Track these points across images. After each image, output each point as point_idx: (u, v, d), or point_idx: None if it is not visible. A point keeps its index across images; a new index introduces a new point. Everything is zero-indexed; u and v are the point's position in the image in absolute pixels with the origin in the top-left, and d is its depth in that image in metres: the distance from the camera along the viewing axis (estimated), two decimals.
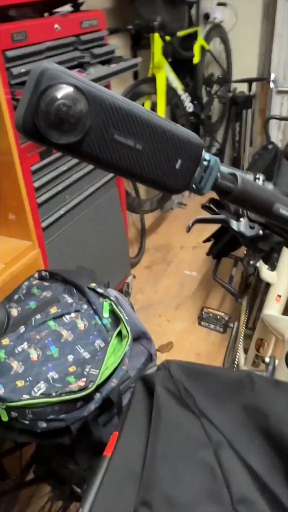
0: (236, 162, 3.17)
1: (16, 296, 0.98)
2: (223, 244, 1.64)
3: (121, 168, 0.31)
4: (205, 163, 0.33)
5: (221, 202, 0.57)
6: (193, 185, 0.34)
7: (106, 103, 0.29)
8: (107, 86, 1.66)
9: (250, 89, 2.94)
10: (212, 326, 1.38)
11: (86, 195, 1.63)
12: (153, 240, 2.68)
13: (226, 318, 1.37)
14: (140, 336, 0.97)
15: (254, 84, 2.97)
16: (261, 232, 0.52)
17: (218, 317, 1.37)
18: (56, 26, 1.35)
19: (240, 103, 2.97)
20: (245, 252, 1.67)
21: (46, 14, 1.54)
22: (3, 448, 1.01)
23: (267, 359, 0.87)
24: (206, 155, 0.33)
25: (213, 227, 1.63)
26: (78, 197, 1.60)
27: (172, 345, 1.89)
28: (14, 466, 1.09)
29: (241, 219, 0.51)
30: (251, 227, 0.51)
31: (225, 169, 0.35)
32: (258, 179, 0.44)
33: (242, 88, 3.00)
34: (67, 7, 1.59)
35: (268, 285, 1.35)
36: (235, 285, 1.73)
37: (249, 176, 0.47)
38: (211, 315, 1.37)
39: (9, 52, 1.18)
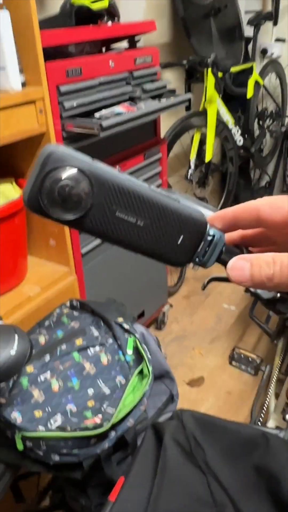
0: None
1: (47, 323, 1.00)
2: None
3: (123, 242, 0.32)
4: (209, 238, 0.34)
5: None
6: (197, 259, 0.34)
7: (109, 183, 0.30)
8: (157, 120, 1.70)
9: None
10: (243, 367, 1.35)
11: None
12: (194, 270, 2.66)
13: (258, 361, 1.33)
14: (163, 375, 0.96)
15: None
16: (278, 294, 0.51)
17: (250, 359, 1.34)
18: (110, 62, 1.41)
19: None
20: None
21: (103, 49, 1.61)
22: (21, 471, 1.03)
23: None
24: (211, 231, 0.34)
25: None
26: None
27: (203, 380, 1.86)
28: (31, 490, 1.10)
29: None
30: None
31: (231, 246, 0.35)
32: None
33: None
34: (125, 43, 1.66)
35: None
36: (272, 325, 1.69)
37: None
38: (242, 356, 1.34)
39: (62, 87, 1.24)
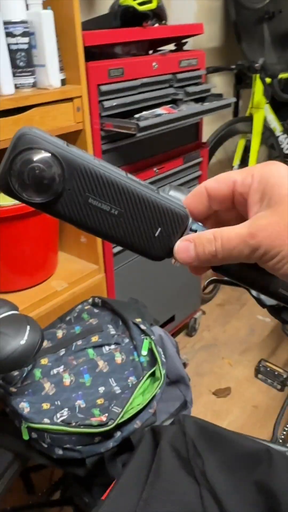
0: None
1: (68, 318, 1.01)
2: None
3: (95, 230, 0.31)
4: (190, 233, 0.32)
5: None
6: None
7: (81, 168, 0.29)
8: (199, 123, 1.68)
9: None
10: (269, 381, 1.30)
11: None
12: None
13: (284, 376, 1.28)
14: (179, 380, 0.94)
15: None
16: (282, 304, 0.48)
17: (277, 373, 1.29)
18: (154, 64, 1.41)
19: None
20: None
21: (151, 52, 1.61)
22: (32, 463, 1.04)
23: None
24: (193, 225, 0.32)
25: None
26: None
27: (230, 391, 1.81)
28: (43, 483, 1.11)
29: None
30: None
31: None
32: None
33: None
34: (172, 46, 1.65)
35: None
36: None
37: None
38: (269, 369, 1.29)
39: (103, 86, 1.25)
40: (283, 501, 0.54)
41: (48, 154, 0.28)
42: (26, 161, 0.28)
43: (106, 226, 0.31)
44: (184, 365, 1.02)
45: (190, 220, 0.32)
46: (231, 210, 0.34)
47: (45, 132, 0.29)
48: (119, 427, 0.75)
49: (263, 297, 0.49)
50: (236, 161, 2.14)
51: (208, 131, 2.02)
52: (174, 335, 2.08)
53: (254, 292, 0.50)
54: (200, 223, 0.33)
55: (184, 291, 1.91)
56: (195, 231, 0.32)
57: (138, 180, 0.31)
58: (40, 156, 0.28)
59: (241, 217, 0.32)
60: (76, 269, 1.32)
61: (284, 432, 1.19)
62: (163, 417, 0.88)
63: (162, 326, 1.86)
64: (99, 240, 1.31)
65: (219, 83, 2.32)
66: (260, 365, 1.31)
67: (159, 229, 0.32)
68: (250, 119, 2.08)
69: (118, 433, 0.75)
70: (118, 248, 1.49)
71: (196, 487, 0.54)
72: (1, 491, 0.84)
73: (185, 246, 0.31)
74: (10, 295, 1.17)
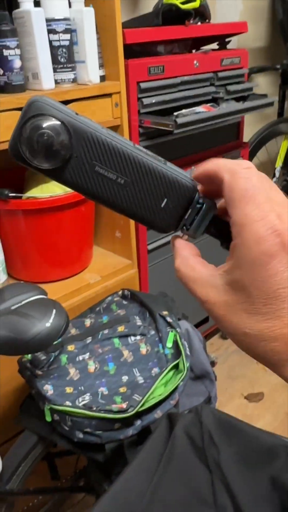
0: None
1: (97, 308, 1.03)
2: None
3: (102, 198, 0.32)
4: (198, 206, 0.32)
5: None
6: (184, 227, 0.33)
7: (88, 136, 0.30)
8: (240, 122, 1.67)
9: None
10: None
11: None
12: None
13: None
14: (204, 375, 0.93)
15: None
16: None
17: None
18: (195, 62, 1.41)
19: None
20: None
21: (194, 51, 1.61)
22: (58, 449, 1.06)
23: None
24: (200, 199, 0.32)
25: None
26: None
27: (263, 397, 1.77)
28: (67, 470, 1.13)
29: None
30: None
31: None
32: None
33: None
34: (215, 45, 1.65)
35: None
36: None
37: None
38: None
39: (143, 83, 1.26)
40: None
41: (57, 121, 0.29)
42: (35, 127, 0.29)
43: (112, 195, 0.31)
44: (213, 363, 1.01)
45: (198, 194, 0.32)
46: None
47: (55, 100, 0.30)
48: (139, 415, 0.76)
49: None
50: (279, 163, 2.10)
51: (251, 131, 2.00)
52: (208, 336, 2.06)
53: None
54: (208, 199, 0.32)
55: None
56: (202, 204, 0.32)
57: (146, 151, 0.32)
58: (48, 123, 0.29)
59: None
60: (110, 263, 1.34)
61: None
62: (185, 410, 0.88)
63: (196, 326, 1.84)
64: (133, 235, 1.33)
65: (265, 83, 2.28)
66: None
67: (165, 200, 0.32)
68: None
69: (138, 422, 0.76)
70: (153, 245, 1.50)
71: (208, 475, 0.53)
72: (25, 472, 0.87)
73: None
74: (44, 285, 1.20)
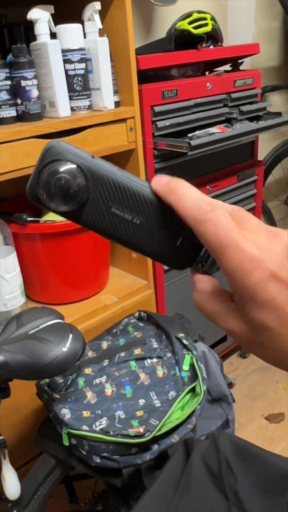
0: None
1: (114, 330, 1.04)
2: None
3: (118, 238, 0.33)
4: None
5: None
6: (199, 264, 0.34)
7: (105, 179, 0.31)
8: (255, 141, 1.68)
9: None
10: None
11: None
12: None
13: None
14: (221, 398, 0.93)
15: None
16: None
17: None
18: (208, 84, 1.43)
19: None
20: None
21: (208, 73, 1.64)
22: (76, 472, 1.06)
23: None
24: None
25: None
26: None
27: (283, 417, 1.74)
28: (85, 494, 1.12)
29: None
30: None
31: None
32: None
33: None
34: (228, 67, 1.67)
35: None
36: None
37: None
38: None
39: (157, 107, 1.29)
40: None
41: (74, 166, 0.30)
42: (53, 172, 0.30)
43: (128, 235, 0.32)
44: (231, 384, 1.00)
45: None
46: None
47: (72, 145, 0.31)
48: (156, 440, 0.76)
49: None
50: None
51: (266, 149, 2.01)
52: (226, 355, 2.04)
53: None
54: None
55: None
56: None
57: None
58: (65, 167, 0.30)
59: None
60: (126, 284, 1.35)
61: None
62: (203, 434, 0.87)
63: (214, 346, 1.84)
64: None
65: (279, 102, 2.29)
66: None
67: (180, 238, 0.33)
68: None
69: (156, 446, 0.76)
70: None
71: (226, 503, 0.53)
72: (43, 496, 0.87)
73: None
74: (61, 307, 1.22)
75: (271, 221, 2.19)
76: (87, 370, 0.88)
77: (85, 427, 0.76)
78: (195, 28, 1.41)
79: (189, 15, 1.49)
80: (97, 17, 1.03)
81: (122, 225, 0.32)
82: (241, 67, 1.65)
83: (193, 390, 0.83)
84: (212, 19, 1.48)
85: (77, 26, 1.03)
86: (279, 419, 1.73)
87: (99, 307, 1.24)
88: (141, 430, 0.75)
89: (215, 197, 1.57)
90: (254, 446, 0.60)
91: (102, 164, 0.31)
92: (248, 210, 1.72)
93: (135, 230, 0.32)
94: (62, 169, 0.30)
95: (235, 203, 1.67)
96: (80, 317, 1.20)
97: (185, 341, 0.90)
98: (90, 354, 0.94)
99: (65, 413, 0.78)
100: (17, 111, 1.01)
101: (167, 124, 1.32)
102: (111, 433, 0.75)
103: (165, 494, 0.55)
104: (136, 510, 0.54)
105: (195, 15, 1.47)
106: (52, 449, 0.86)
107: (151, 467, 0.77)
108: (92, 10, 1.02)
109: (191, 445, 0.60)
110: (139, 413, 0.81)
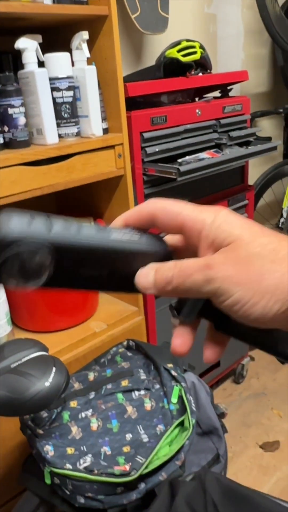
0: None
1: (102, 360, 1.01)
2: None
3: (89, 289, 0.32)
4: None
5: None
6: (175, 312, 0.32)
7: (65, 246, 0.29)
8: (245, 166, 1.68)
9: None
10: None
11: None
12: None
13: None
14: (211, 431, 0.90)
15: None
16: None
17: None
18: (197, 111, 1.44)
19: None
20: None
21: (197, 100, 1.65)
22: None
23: None
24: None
25: None
26: None
27: (279, 446, 1.70)
28: None
29: None
30: None
31: None
32: None
33: None
34: (217, 93, 1.69)
35: None
36: None
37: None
38: None
39: (146, 133, 1.29)
40: None
41: (31, 242, 0.28)
42: (11, 256, 0.28)
43: (99, 286, 0.32)
44: (223, 415, 0.97)
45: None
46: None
47: (25, 216, 0.29)
48: (143, 478, 0.72)
49: None
50: (286, 203, 2.10)
51: (256, 173, 2.02)
52: (220, 381, 2.00)
53: None
54: None
55: None
56: None
57: (122, 235, 0.31)
58: (23, 247, 0.28)
59: None
60: (116, 310, 1.33)
61: None
62: (194, 469, 0.84)
63: (207, 372, 1.80)
64: None
65: (269, 127, 2.32)
66: None
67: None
68: None
69: (142, 485, 0.73)
70: None
71: None
72: None
73: (146, 272, 0.31)
74: (49, 335, 1.20)
75: None
76: (73, 404, 0.85)
77: (68, 466, 0.73)
78: (184, 56, 1.43)
79: (178, 43, 1.52)
80: (85, 45, 1.04)
81: (91, 280, 0.31)
82: (231, 93, 1.67)
83: (181, 424, 0.80)
84: (201, 47, 1.50)
85: (65, 54, 1.04)
86: (274, 448, 1.69)
87: (88, 334, 1.21)
88: (127, 468, 0.72)
89: None
90: (242, 487, 0.58)
91: (60, 230, 0.29)
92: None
93: (104, 280, 0.31)
94: (19, 249, 0.28)
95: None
96: (69, 345, 1.17)
97: (173, 372, 0.88)
98: (76, 385, 0.91)
99: (48, 450, 0.75)
100: (4, 138, 1.00)
101: (156, 150, 1.32)
102: (96, 471, 0.72)
103: None
104: None
105: (184, 43, 1.49)
106: (35, 487, 0.83)
107: (137, 507, 0.73)
108: (80, 39, 1.03)
109: (176, 486, 0.57)
110: (126, 449, 0.78)
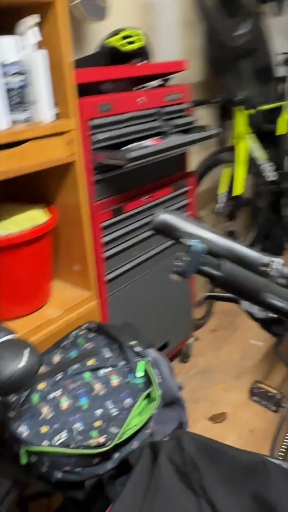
0: None
1: (63, 344, 1.03)
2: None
3: None
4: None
5: None
6: (177, 269, 0.36)
7: None
8: (186, 154, 1.75)
9: None
10: (263, 402, 1.32)
11: (154, 253, 1.69)
12: (223, 304, 2.64)
13: (278, 396, 1.30)
14: (174, 402, 0.95)
15: None
16: (270, 315, 0.51)
17: (271, 394, 1.30)
18: (141, 99, 1.48)
19: None
20: None
21: (138, 87, 1.69)
22: (33, 491, 1.03)
23: None
24: (192, 242, 0.35)
25: None
26: (146, 255, 1.65)
27: (225, 417, 1.81)
28: None
29: None
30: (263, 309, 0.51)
31: (211, 258, 0.37)
32: (272, 262, 0.45)
33: None
34: (158, 82, 1.74)
35: None
36: None
37: (266, 258, 0.48)
38: (263, 390, 1.31)
39: (94, 120, 1.31)
40: (280, 511, 0.55)
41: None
42: None
43: None
44: (180, 388, 1.03)
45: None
46: None
47: None
48: (117, 448, 0.76)
49: (254, 310, 0.52)
50: (222, 189, 2.21)
51: (196, 161, 2.10)
52: None
53: (244, 305, 0.53)
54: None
55: (176, 318, 1.93)
56: (190, 246, 0.35)
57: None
58: None
59: None
60: (70, 296, 1.34)
61: (281, 453, 1.19)
62: (159, 439, 0.89)
63: None
64: (92, 267, 1.34)
65: (205, 115, 2.41)
66: (254, 386, 1.33)
67: None
68: (233, 149, 2.17)
69: (117, 454, 0.76)
70: (111, 275, 1.52)
71: (195, 499, 0.55)
72: None
73: None
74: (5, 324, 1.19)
75: None
76: (41, 386, 0.87)
77: (45, 442, 0.75)
78: (127, 44, 1.46)
79: (119, 31, 1.54)
80: (35, 30, 1.04)
81: None
82: (168, 83, 1.72)
83: (148, 395, 0.85)
84: (144, 35, 1.54)
85: (13, 38, 1.03)
86: (221, 419, 1.80)
87: (44, 321, 1.22)
88: (102, 439, 0.75)
89: (152, 207, 1.61)
90: (215, 442, 0.64)
91: None
92: None
93: None
94: None
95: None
96: (25, 332, 1.17)
97: (137, 348, 0.92)
98: (42, 369, 0.92)
99: (23, 430, 0.77)
100: None
101: (105, 137, 1.35)
102: (72, 446, 0.74)
103: (136, 497, 0.56)
104: None
105: (125, 32, 1.52)
106: (7, 470, 0.84)
107: (112, 477, 0.77)
108: (31, 23, 1.02)
109: (157, 447, 0.62)
110: (97, 424, 0.81)
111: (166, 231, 0.46)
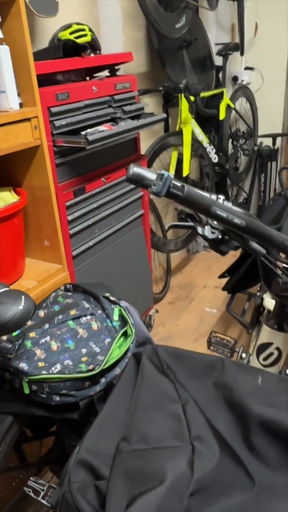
0: (261, 210, 3.35)
1: (44, 304, 1.17)
2: (237, 280, 1.79)
3: None
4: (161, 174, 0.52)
5: (193, 215, 0.75)
6: (154, 189, 0.52)
7: None
8: (137, 138, 1.92)
9: (274, 143, 3.17)
10: (220, 350, 1.51)
11: (114, 231, 1.85)
12: (178, 279, 2.85)
13: (232, 342, 1.50)
14: (145, 342, 1.12)
15: (278, 139, 3.20)
16: (220, 236, 0.68)
17: (225, 341, 1.50)
18: (94, 88, 1.62)
19: (265, 156, 3.20)
20: (258, 288, 1.82)
21: (88, 78, 1.83)
22: (25, 435, 1.17)
23: (243, 355, 1.03)
24: (163, 172, 0.52)
25: (230, 263, 1.78)
26: (106, 232, 1.81)
27: None
28: (33, 454, 1.23)
29: (206, 226, 0.69)
30: (213, 232, 0.68)
31: (177, 182, 0.53)
32: (219, 198, 0.63)
33: (268, 142, 3.24)
34: (106, 72, 1.89)
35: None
36: (247, 318, 1.86)
37: (212, 196, 0.65)
38: (219, 339, 1.51)
39: (53, 108, 1.44)
40: (234, 389, 0.74)
41: None
42: None
43: None
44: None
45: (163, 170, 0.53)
46: None
47: None
48: (103, 373, 0.92)
49: (206, 233, 0.68)
50: (171, 171, 2.39)
51: (144, 146, 2.27)
52: None
53: (200, 230, 0.70)
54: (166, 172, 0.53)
55: (138, 291, 2.11)
56: (163, 174, 0.52)
57: None
58: None
59: None
60: (43, 269, 1.48)
61: None
62: None
63: None
64: (61, 242, 1.48)
65: (150, 103, 2.58)
66: (211, 336, 1.52)
67: None
68: (180, 133, 2.35)
69: (103, 379, 0.93)
70: (77, 251, 1.67)
71: (172, 385, 0.72)
72: (5, 451, 0.97)
73: None
74: None
75: (153, 208, 2.47)
76: (31, 334, 1.01)
77: (44, 372, 0.90)
78: (76, 38, 1.59)
79: (69, 26, 1.68)
80: None
81: None
82: (116, 73, 1.88)
83: (125, 333, 1.01)
84: (90, 30, 1.68)
85: None
86: None
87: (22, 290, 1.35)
88: (91, 367, 0.91)
89: (109, 188, 1.77)
90: (183, 349, 0.81)
91: None
92: (137, 198, 1.96)
93: None
94: None
95: (126, 192, 1.89)
96: None
97: (111, 298, 1.08)
98: (29, 323, 1.06)
99: (23, 366, 0.91)
100: None
101: (64, 123, 1.48)
102: (67, 372, 0.90)
103: (127, 389, 0.72)
104: (105, 408, 0.70)
105: (75, 26, 1.66)
106: (7, 407, 0.97)
107: (100, 398, 0.93)
108: None
109: (139, 354, 0.78)
110: (84, 359, 0.96)
111: (139, 180, 0.61)
